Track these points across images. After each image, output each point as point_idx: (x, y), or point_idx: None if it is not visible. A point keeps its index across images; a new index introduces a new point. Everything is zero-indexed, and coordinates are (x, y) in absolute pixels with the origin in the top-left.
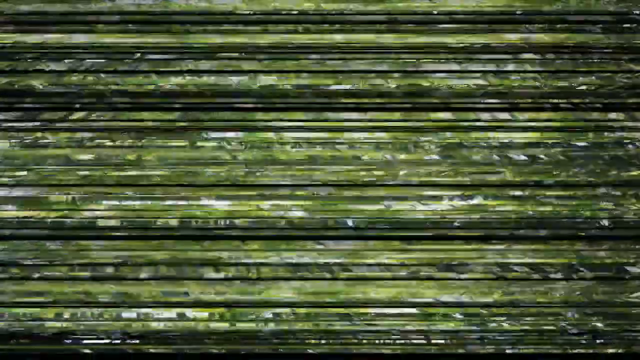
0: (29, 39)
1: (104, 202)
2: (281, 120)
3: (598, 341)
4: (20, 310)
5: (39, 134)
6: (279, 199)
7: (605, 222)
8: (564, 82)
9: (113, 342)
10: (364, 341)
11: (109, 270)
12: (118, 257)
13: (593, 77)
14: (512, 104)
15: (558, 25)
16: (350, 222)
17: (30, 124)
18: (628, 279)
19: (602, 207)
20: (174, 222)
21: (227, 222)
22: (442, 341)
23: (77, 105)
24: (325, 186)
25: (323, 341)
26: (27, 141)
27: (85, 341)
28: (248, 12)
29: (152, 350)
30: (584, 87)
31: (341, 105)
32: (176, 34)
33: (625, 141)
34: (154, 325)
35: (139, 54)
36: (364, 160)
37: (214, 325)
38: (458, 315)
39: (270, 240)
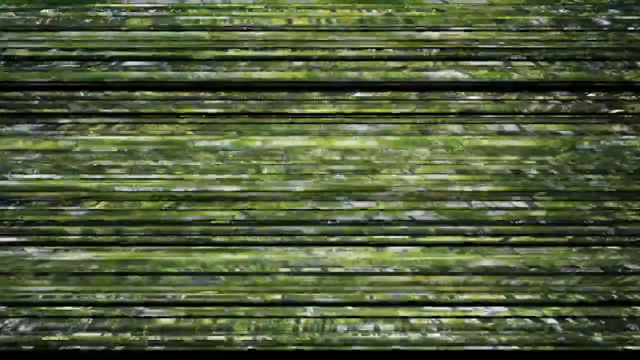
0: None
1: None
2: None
3: (594, 337)
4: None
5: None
6: (279, 201)
7: (606, 225)
8: (570, 83)
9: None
10: (359, 335)
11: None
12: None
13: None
14: (515, 106)
15: (565, 28)
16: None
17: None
18: (625, 276)
19: (604, 207)
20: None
21: (226, 223)
22: (438, 335)
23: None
24: (324, 185)
25: (317, 335)
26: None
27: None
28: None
29: (147, 349)
30: (593, 95)
31: (345, 105)
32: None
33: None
34: (152, 323)
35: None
36: (367, 162)
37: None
38: (456, 312)
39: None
